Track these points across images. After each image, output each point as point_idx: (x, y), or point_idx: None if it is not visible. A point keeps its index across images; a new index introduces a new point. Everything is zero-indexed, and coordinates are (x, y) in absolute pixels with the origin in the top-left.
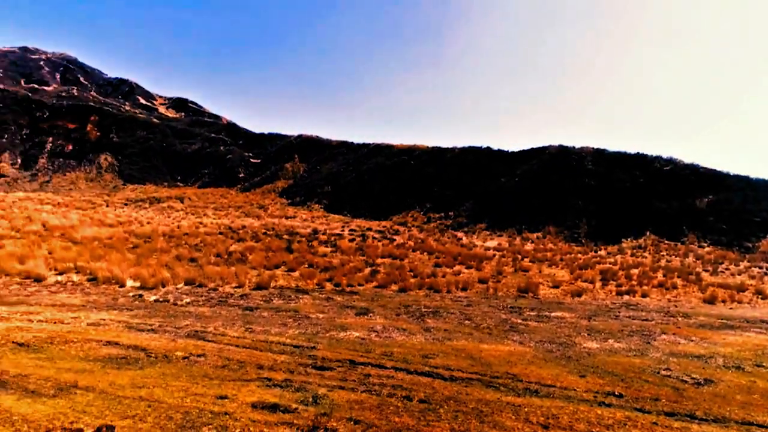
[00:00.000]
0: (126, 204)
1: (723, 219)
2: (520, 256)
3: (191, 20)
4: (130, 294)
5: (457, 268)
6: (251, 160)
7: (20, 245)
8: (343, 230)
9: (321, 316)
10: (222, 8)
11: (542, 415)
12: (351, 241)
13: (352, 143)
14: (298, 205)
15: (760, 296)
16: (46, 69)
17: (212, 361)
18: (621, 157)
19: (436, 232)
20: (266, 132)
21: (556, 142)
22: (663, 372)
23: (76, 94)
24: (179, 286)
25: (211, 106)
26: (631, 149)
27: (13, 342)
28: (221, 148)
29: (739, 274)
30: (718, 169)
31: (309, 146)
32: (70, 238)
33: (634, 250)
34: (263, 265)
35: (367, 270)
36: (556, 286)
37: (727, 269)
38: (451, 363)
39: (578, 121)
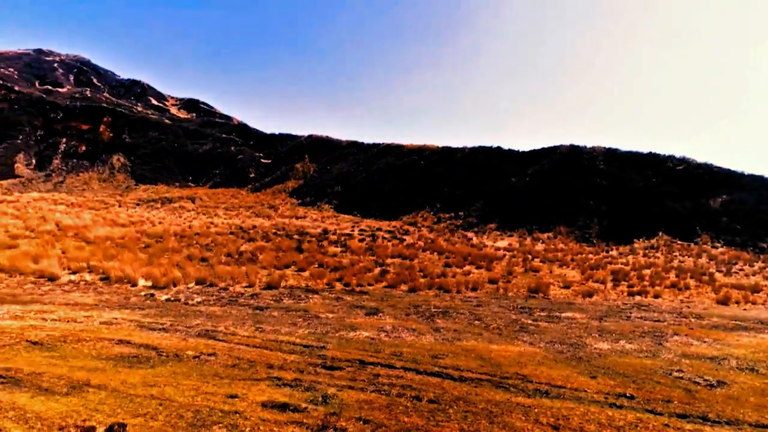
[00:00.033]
0: (138, 204)
1: (737, 219)
2: (530, 257)
3: (202, 21)
4: (142, 293)
5: (467, 268)
6: (262, 160)
7: (34, 245)
8: (353, 230)
9: (331, 315)
10: (231, 8)
11: (552, 416)
12: (361, 241)
13: (362, 143)
14: (309, 205)
15: None
16: (60, 71)
17: (223, 360)
18: (633, 156)
19: (446, 232)
20: (277, 132)
21: (567, 142)
22: (675, 373)
23: (89, 95)
24: (190, 285)
25: (221, 107)
26: (644, 149)
27: (27, 340)
28: (232, 148)
29: (754, 275)
30: (732, 168)
31: (319, 146)
32: (83, 237)
33: (647, 251)
34: (273, 264)
35: (377, 270)
36: (566, 287)
37: (741, 270)
38: (461, 363)
39: (590, 121)
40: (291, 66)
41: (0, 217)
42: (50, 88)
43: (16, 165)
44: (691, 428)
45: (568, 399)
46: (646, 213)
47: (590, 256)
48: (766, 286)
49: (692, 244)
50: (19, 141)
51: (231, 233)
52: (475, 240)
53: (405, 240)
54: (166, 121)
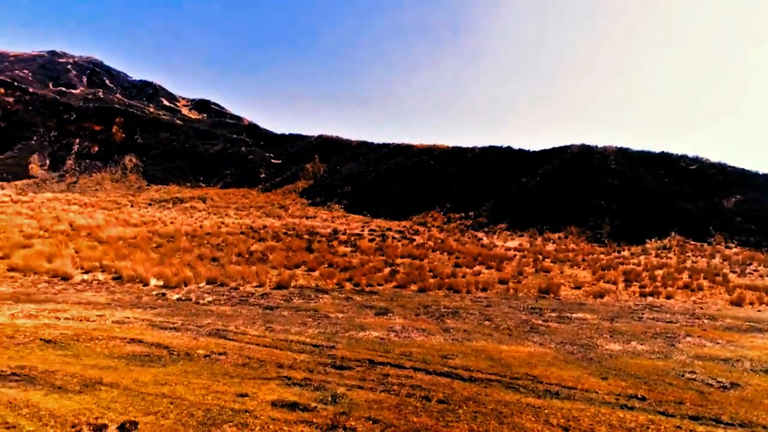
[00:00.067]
0: (150, 204)
1: (751, 219)
2: (541, 257)
3: (213, 23)
4: (154, 293)
5: (477, 268)
6: (272, 160)
7: (48, 244)
8: (363, 230)
9: (340, 315)
10: (241, 9)
11: (563, 417)
12: (371, 241)
13: (372, 143)
14: (319, 205)
15: None
16: (74, 72)
17: (233, 359)
18: (645, 156)
19: (456, 232)
20: (287, 133)
21: (578, 141)
22: (687, 375)
23: (101, 96)
24: (201, 285)
25: (232, 108)
26: (656, 148)
27: (41, 339)
28: (243, 148)
29: None
30: (747, 168)
31: (329, 146)
32: (96, 237)
33: (659, 251)
34: (284, 264)
35: (387, 270)
36: (577, 287)
37: (755, 270)
38: (471, 364)
39: (602, 120)
40: (302, 66)
41: (15, 218)
42: (64, 89)
43: (30, 166)
44: (704, 430)
45: (579, 400)
46: (658, 213)
47: (601, 256)
48: None
49: (705, 245)
50: (33, 142)
51: (241, 233)
52: (485, 240)
53: (415, 240)
54: (178, 121)
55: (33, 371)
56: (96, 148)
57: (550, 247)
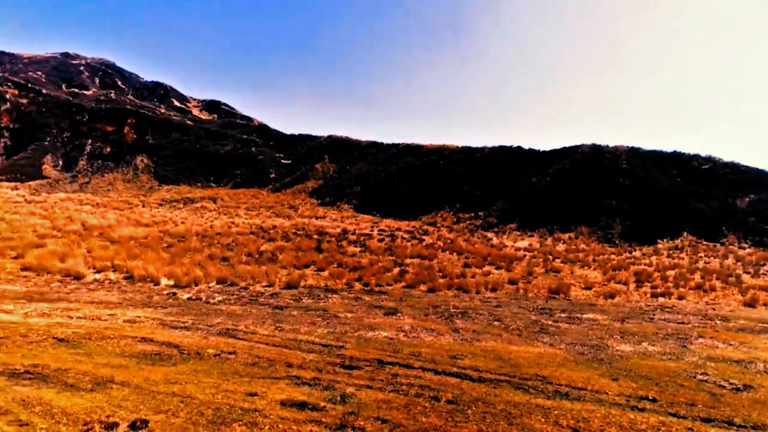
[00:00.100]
0: (161, 204)
1: (765, 219)
2: (551, 257)
3: (223, 25)
4: (165, 292)
5: (486, 268)
6: (282, 160)
7: (61, 244)
8: (372, 230)
9: (349, 315)
10: (253, 10)
11: (572, 418)
12: (380, 241)
13: (382, 143)
14: (328, 205)
15: None
16: (86, 74)
17: (243, 358)
18: (657, 155)
19: (466, 232)
20: (296, 133)
21: (588, 141)
22: (699, 376)
23: (113, 97)
24: (211, 284)
25: (242, 108)
26: (668, 147)
27: (53, 337)
28: (253, 149)
29: None
30: (760, 167)
31: (339, 147)
32: (107, 237)
33: (671, 251)
34: (293, 264)
35: (396, 270)
36: (588, 288)
37: None
38: (480, 364)
39: (613, 120)
40: (311, 67)
41: (29, 218)
42: (76, 90)
43: (44, 166)
44: None
45: (589, 401)
46: (670, 213)
47: (612, 256)
48: None
49: (718, 245)
50: (46, 143)
51: (251, 233)
52: (495, 240)
53: (424, 240)
54: (188, 122)
55: (46, 369)
56: (108, 149)
57: (561, 247)
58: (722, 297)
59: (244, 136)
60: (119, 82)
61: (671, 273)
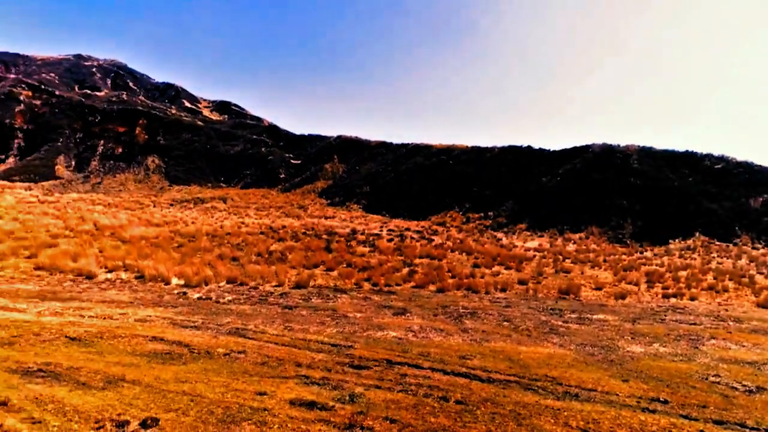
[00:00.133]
0: (172, 204)
1: None
2: (561, 257)
3: (233, 26)
4: (175, 291)
5: (496, 268)
6: (292, 161)
7: (73, 244)
8: (381, 230)
9: (359, 315)
10: (263, 10)
11: (582, 419)
12: (389, 241)
13: (391, 143)
14: (338, 205)
15: None
16: (98, 75)
17: (252, 358)
18: (669, 155)
19: (475, 232)
20: (306, 133)
21: (599, 141)
22: (711, 378)
23: (125, 98)
24: (221, 284)
25: (252, 109)
26: (680, 147)
27: (66, 336)
28: (263, 149)
29: None
30: None
31: (348, 147)
32: (119, 237)
33: (683, 252)
34: (302, 264)
35: (405, 270)
36: (598, 288)
37: None
38: (489, 364)
39: (624, 119)
40: (322, 68)
41: (41, 218)
42: (89, 92)
43: (56, 167)
44: None
45: (599, 402)
46: (682, 213)
47: (623, 257)
48: None
49: (731, 245)
50: (59, 144)
51: (261, 233)
52: (504, 240)
53: (433, 240)
54: (199, 123)
55: (58, 368)
56: (120, 150)
57: (571, 247)
58: (735, 298)
59: (254, 137)
60: (131, 84)
61: (683, 273)
